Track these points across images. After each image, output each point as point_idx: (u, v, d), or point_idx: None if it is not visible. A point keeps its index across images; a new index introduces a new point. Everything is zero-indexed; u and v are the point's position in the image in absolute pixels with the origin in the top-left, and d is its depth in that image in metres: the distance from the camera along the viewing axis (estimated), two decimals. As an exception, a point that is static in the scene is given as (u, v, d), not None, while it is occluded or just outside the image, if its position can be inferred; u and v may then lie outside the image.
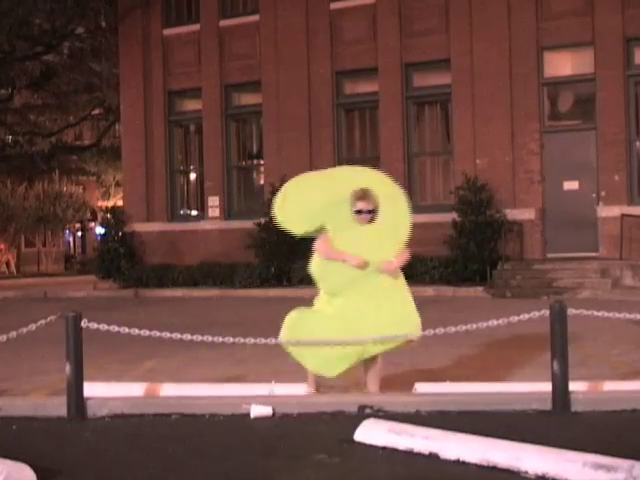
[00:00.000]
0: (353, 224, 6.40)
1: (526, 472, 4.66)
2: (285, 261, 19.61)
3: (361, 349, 6.39)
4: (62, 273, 36.15)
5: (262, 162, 21.93)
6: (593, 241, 17.90)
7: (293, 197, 6.51)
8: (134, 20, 22.98)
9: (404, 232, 6.55)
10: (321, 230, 6.45)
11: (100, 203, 42.59)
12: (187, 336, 6.65)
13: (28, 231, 37.59)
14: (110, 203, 37.68)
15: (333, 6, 20.57)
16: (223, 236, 21.46)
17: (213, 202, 21.92)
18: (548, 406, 6.11)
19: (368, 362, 6.59)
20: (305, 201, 6.47)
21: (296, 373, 7.43)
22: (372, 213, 6.40)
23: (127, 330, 6.57)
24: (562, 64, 19.02)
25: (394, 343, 6.42)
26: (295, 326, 6.41)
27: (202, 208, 22.43)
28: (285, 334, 6.41)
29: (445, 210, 18.62)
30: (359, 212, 6.37)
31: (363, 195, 6.37)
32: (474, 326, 6.59)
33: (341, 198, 6.39)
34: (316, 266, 6.51)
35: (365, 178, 6.67)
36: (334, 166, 19.70)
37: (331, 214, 6.41)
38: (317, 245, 6.47)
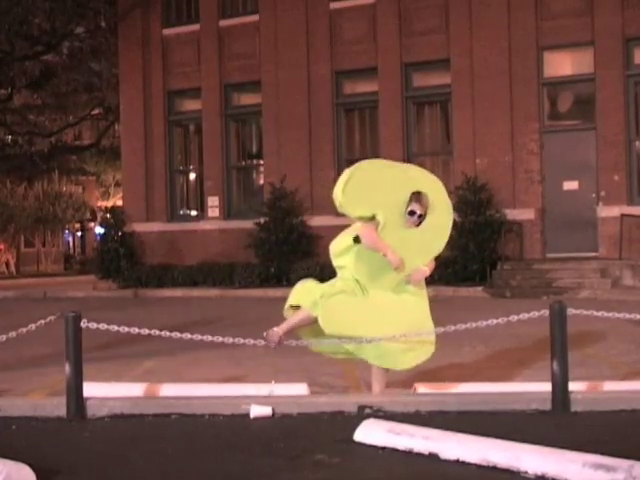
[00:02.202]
0: (401, 223, 6.36)
1: (526, 472, 4.66)
2: (285, 261, 19.61)
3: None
4: (62, 273, 36.17)
5: (262, 162, 21.93)
6: (593, 241, 17.90)
7: (358, 178, 6.37)
8: (134, 20, 22.98)
9: (441, 244, 6.56)
10: (372, 218, 6.35)
11: (100, 203, 42.64)
12: (187, 336, 6.65)
13: (28, 231, 37.60)
14: (110, 203, 37.74)
15: (333, 6, 20.57)
16: (223, 236, 21.47)
17: (213, 202, 21.91)
18: (548, 406, 6.11)
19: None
20: (369, 185, 6.36)
21: (296, 373, 7.44)
22: (421, 218, 6.38)
23: (127, 330, 6.57)
24: (562, 64, 19.03)
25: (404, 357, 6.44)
26: (334, 308, 6.34)
27: (202, 208, 22.42)
28: (323, 315, 6.32)
29: (445, 210, 18.58)
30: (412, 213, 6.33)
31: (420, 198, 6.34)
32: (474, 325, 6.60)
33: (400, 194, 6.34)
34: (346, 248, 6.44)
35: (426, 182, 6.59)
36: (334, 166, 19.80)
37: (387, 206, 6.34)
38: (363, 231, 6.34)
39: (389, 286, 6.42)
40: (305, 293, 6.43)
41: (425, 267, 6.49)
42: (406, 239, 6.38)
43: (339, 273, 6.54)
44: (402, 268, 6.28)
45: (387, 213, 6.31)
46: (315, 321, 6.34)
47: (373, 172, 6.51)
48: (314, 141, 20.61)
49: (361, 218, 6.39)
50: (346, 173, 6.38)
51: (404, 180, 6.48)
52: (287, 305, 6.51)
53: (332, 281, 6.49)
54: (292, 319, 6.42)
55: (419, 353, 6.49)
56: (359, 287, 6.36)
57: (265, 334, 6.42)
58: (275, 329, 6.43)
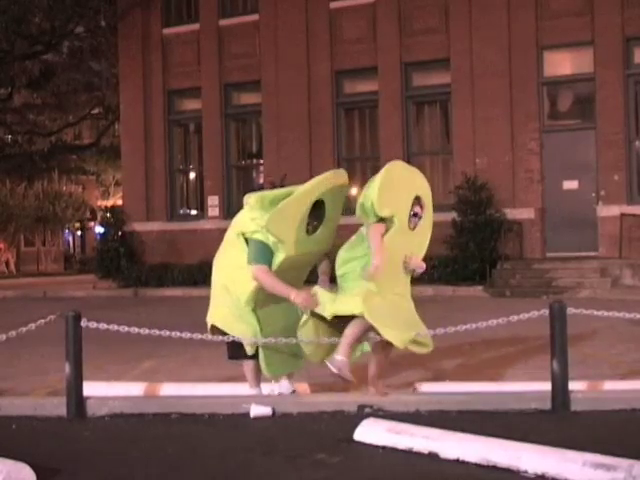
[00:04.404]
0: (407, 226, 6.36)
1: (526, 471, 4.67)
2: (285, 260, 19.59)
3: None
4: (62, 272, 36.17)
5: (262, 161, 21.93)
6: (593, 240, 17.90)
7: (389, 180, 6.34)
8: (134, 19, 22.98)
9: (426, 244, 6.63)
10: (386, 220, 6.28)
11: (100, 202, 42.65)
12: (187, 335, 6.65)
13: (27, 230, 37.61)
14: (110, 202, 37.75)
15: (333, 5, 20.57)
16: (223, 235, 21.15)
17: (213, 201, 21.91)
18: (548, 405, 6.11)
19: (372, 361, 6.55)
20: (394, 187, 6.35)
21: (296, 372, 7.41)
22: (419, 220, 6.43)
23: (127, 329, 6.57)
24: (562, 64, 19.03)
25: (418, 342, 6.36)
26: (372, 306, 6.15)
27: (202, 207, 22.43)
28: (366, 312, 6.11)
29: (445, 209, 18.57)
30: (415, 215, 6.36)
31: (420, 201, 6.41)
32: (474, 326, 6.59)
33: (410, 197, 6.36)
34: (353, 256, 6.34)
35: (423, 185, 6.63)
36: (334, 165, 19.77)
37: (402, 209, 6.33)
38: (373, 228, 6.24)
39: (398, 285, 6.36)
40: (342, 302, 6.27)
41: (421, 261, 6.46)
42: (408, 241, 6.40)
43: (342, 283, 6.33)
44: (376, 277, 6.11)
45: (401, 216, 6.32)
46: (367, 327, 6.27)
47: (396, 175, 6.49)
48: (314, 140, 20.61)
49: (382, 219, 6.27)
50: (380, 175, 6.31)
51: (412, 183, 6.51)
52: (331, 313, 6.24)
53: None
54: (347, 338, 6.18)
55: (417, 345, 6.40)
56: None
57: (332, 367, 6.12)
58: (338, 357, 6.13)
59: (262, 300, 6.38)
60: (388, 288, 6.28)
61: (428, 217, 6.59)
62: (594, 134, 18.13)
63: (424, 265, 6.47)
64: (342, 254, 6.39)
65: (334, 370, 6.14)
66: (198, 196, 22.90)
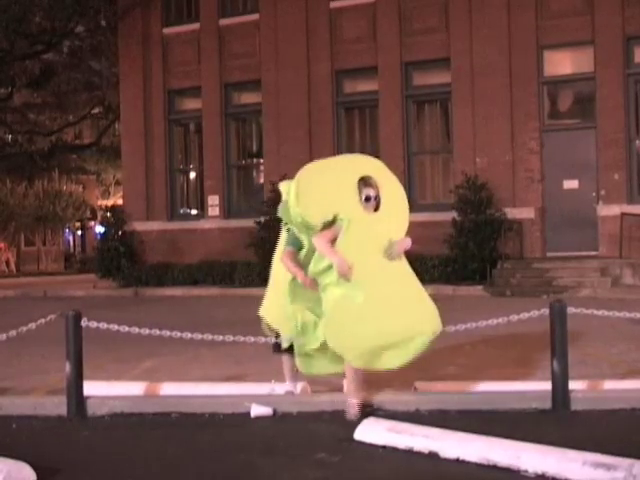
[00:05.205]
0: (364, 213, 6.17)
1: (526, 471, 4.67)
2: (285, 260, 19.58)
3: (385, 343, 6.13)
4: (62, 272, 36.15)
5: (262, 161, 21.93)
6: (593, 240, 17.90)
7: (305, 185, 6.21)
8: (134, 19, 22.98)
9: (406, 216, 6.45)
10: (334, 221, 6.14)
11: (100, 202, 42.68)
12: (187, 335, 6.65)
13: (28, 230, 37.63)
14: (110, 202, 37.77)
15: (333, 5, 20.56)
16: (223, 235, 21.47)
17: (213, 201, 21.91)
18: (548, 405, 6.11)
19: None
20: (318, 189, 6.22)
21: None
22: (378, 199, 6.21)
23: (127, 329, 6.57)
24: (562, 63, 19.02)
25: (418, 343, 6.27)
26: (337, 311, 6.08)
27: (202, 207, 22.42)
28: (328, 319, 6.10)
29: (445, 209, 18.62)
30: (368, 199, 6.15)
31: (368, 182, 6.19)
32: (474, 325, 6.60)
33: (351, 185, 6.19)
34: (326, 266, 6.18)
35: (366, 165, 6.51)
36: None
37: (345, 203, 6.16)
38: (315, 238, 6.14)
39: (379, 272, 6.19)
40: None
41: (406, 238, 6.30)
42: (374, 225, 6.21)
43: (324, 296, 6.16)
44: (349, 275, 6.00)
45: (348, 209, 6.14)
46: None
47: (315, 176, 6.37)
48: (314, 140, 20.61)
49: (323, 223, 6.15)
50: (291, 185, 6.22)
51: (348, 170, 6.35)
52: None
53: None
54: (350, 381, 6.20)
55: (410, 348, 6.26)
56: (353, 294, 6.11)
57: (348, 405, 6.12)
58: (348, 399, 6.14)
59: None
60: (377, 283, 6.14)
61: (392, 190, 6.40)
62: (594, 133, 18.12)
63: (409, 242, 6.29)
64: (311, 268, 6.25)
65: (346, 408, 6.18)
66: (198, 196, 22.90)
